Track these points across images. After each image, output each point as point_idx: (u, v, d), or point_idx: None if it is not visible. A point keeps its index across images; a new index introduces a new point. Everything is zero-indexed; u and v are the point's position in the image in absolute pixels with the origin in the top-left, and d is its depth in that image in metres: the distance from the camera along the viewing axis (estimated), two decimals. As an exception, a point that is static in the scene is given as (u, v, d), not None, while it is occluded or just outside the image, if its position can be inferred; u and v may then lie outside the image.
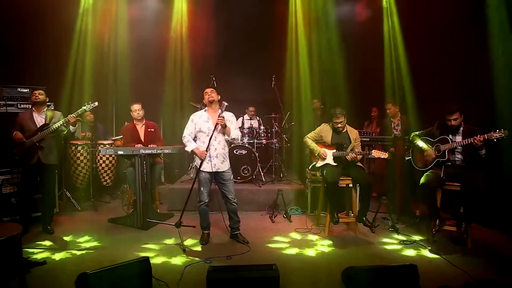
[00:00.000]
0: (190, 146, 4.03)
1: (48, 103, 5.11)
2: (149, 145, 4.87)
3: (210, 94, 4.03)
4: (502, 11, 4.53)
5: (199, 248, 3.92)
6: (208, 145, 3.90)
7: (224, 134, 4.01)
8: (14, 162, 4.49)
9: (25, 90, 4.89)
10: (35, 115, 4.32)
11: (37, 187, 4.41)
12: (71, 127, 4.34)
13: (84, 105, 4.37)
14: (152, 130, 5.11)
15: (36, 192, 4.48)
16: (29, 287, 2.91)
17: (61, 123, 4.26)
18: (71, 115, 4.25)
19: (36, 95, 4.32)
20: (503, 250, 3.92)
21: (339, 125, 4.38)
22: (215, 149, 3.97)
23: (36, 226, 4.40)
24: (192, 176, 5.80)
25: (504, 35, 4.49)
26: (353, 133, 4.48)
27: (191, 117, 4.11)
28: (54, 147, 4.38)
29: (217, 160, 3.98)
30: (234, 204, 4.09)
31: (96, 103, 4.43)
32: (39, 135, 4.21)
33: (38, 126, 4.25)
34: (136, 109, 5.00)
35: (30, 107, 4.56)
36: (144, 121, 5.11)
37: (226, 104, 3.98)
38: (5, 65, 5.29)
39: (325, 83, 6.68)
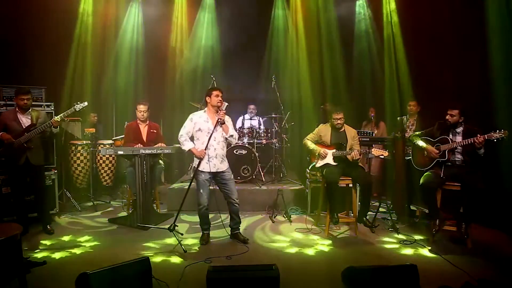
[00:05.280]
0: (187, 146, 4.00)
1: (48, 103, 5.12)
2: (156, 144, 4.88)
3: (221, 99, 3.97)
4: (503, 10, 4.53)
5: (199, 248, 3.92)
6: (207, 145, 3.89)
7: (222, 132, 4.01)
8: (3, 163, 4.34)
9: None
10: (19, 116, 4.19)
11: (28, 188, 4.37)
12: (53, 129, 4.24)
13: (74, 105, 4.30)
14: (155, 131, 5.07)
15: (27, 193, 4.45)
16: (29, 287, 2.90)
17: (48, 124, 4.17)
18: (55, 118, 4.16)
19: (25, 101, 4.13)
20: (503, 250, 3.92)
21: (339, 121, 4.37)
22: (215, 149, 3.97)
23: (35, 226, 4.39)
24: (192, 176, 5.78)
25: (504, 35, 4.50)
26: (351, 132, 4.49)
27: (191, 116, 4.09)
28: (41, 147, 4.32)
29: (216, 161, 3.97)
30: (237, 205, 4.05)
31: (86, 103, 4.35)
32: (26, 135, 4.10)
33: (24, 127, 4.15)
34: (142, 110, 4.93)
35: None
36: (147, 121, 5.07)
37: (226, 104, 3.97)
38: (5, 65, 5.28)
39: (325, 83, 6.68)
